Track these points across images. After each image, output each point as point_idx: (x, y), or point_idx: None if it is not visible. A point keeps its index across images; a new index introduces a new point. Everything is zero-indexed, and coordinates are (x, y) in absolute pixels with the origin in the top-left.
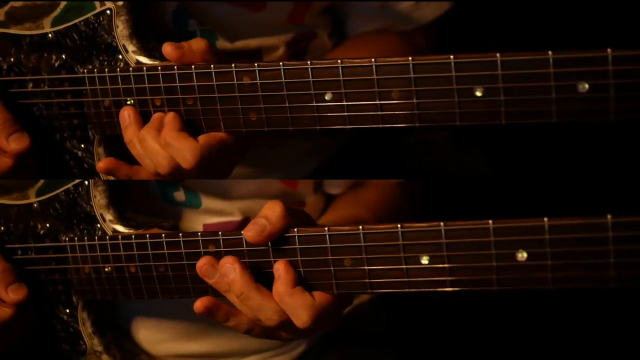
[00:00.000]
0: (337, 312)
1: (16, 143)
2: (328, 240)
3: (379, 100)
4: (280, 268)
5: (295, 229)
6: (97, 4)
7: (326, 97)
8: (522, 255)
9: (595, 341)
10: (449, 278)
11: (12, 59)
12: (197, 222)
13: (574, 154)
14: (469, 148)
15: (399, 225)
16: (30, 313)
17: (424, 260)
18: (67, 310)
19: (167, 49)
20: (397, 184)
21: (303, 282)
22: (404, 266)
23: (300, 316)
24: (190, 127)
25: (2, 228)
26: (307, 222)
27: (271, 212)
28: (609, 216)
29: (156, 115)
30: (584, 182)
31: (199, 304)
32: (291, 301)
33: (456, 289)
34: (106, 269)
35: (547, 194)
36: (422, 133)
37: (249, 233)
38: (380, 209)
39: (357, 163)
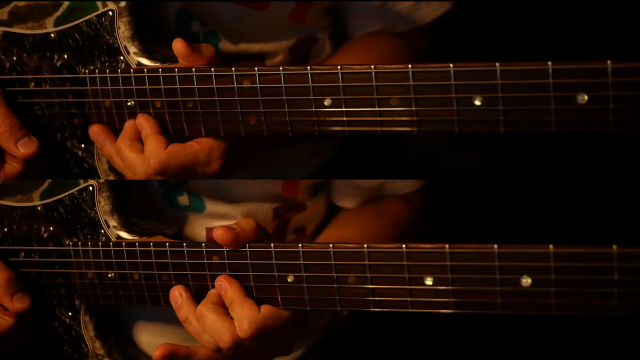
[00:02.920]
0: (287, 333)
1: (25, 148)
2: (332, 257)
3: (378, 107)
4: (223, 281)
5: (300, 244)
6: (100, 4)
7: (325, 103)
8: (527, 281)
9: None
10: (452, 300)
11: (14, 58)
12: (200, 226)
13: (577, 154)
14: (469, 148)
15: (403, 246)
16: (29, 324)
17: (428, 282)
18: (70, 313)
19: (178, 45)
20: (403, 200)
21: (306, 298)
22: (407, 286)
23: (243, 326)
24: (190, 129)
25: (6, 229)
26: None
27: (245, 222)
28: (614, 246)
29: (128, 124)
30: (585, 182)
31: (157, 354)
32: (239, 310)
33: (459, 311)
34: (109, 275)
35: (549, 194)
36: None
37: (219, 231)
38: (386, 234)
39: (356, 163)
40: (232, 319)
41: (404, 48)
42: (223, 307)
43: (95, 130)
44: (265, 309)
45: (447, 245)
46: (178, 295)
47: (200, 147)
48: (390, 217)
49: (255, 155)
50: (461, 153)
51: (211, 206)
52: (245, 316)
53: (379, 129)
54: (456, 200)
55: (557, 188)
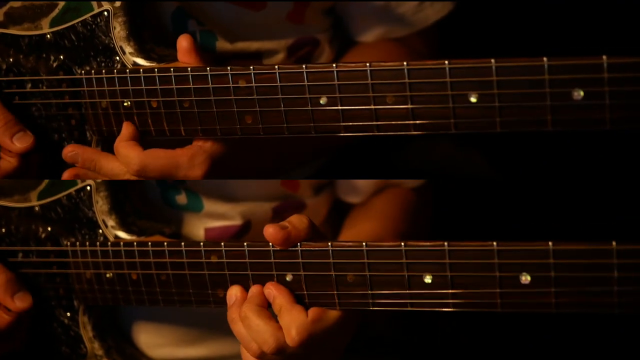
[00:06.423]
0: (334, 338)
1: (21, 142)
2: (331, 256)
3: (374, 105)
4: (272, 288)
5: (299, 243)
6: (95, 5)
7: (321, 101)
8: (526, 279)
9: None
10: (452, 300)
11: (11, 60)
12: (198, 226)
13: (578, 152)
14: (469, 147)
15: (402, 244)
16: (26, 324)
17: (427, 280)
18: (68, 314)
19: (184, 41)
20: (412, 191)
21: (305, 296)
22: (406, 284)
23: (291, 334)
24: (187, 129)
25: (3, 230)
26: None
27: (298, 220)
28: (613, 243)
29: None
30: (586, 181)
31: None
32: (288, 316)
33: (458, 309)
34: (107, 275)
35: (550, 194)
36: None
37: (270, 230)
38: (400, 220)
39: (356, 163)
40: (276, 322)
41: (407, 54)
42: (267, 309)
43: (69, 150)
44: (313, 312)
45: (446, 243)
46: (233, 295)
47: (183, 150)
48: (403, 205)
49: (251, 166)
50: (461, 153)
51: (209, 206)
52: (293, 323)
53: (375, 132)
54: (456, 200)
55: (557, 188)
